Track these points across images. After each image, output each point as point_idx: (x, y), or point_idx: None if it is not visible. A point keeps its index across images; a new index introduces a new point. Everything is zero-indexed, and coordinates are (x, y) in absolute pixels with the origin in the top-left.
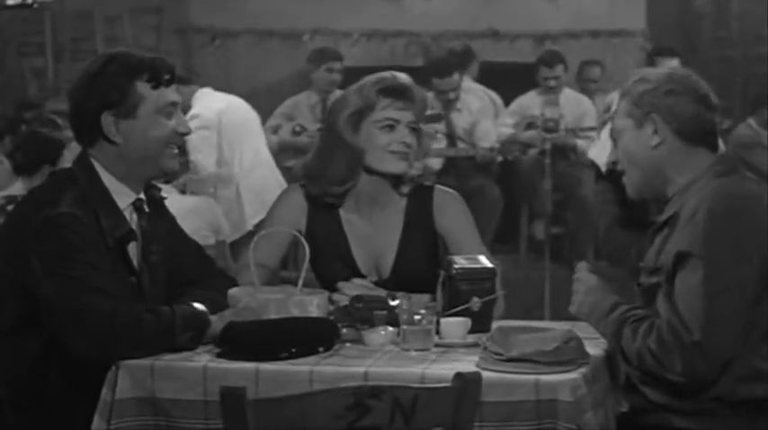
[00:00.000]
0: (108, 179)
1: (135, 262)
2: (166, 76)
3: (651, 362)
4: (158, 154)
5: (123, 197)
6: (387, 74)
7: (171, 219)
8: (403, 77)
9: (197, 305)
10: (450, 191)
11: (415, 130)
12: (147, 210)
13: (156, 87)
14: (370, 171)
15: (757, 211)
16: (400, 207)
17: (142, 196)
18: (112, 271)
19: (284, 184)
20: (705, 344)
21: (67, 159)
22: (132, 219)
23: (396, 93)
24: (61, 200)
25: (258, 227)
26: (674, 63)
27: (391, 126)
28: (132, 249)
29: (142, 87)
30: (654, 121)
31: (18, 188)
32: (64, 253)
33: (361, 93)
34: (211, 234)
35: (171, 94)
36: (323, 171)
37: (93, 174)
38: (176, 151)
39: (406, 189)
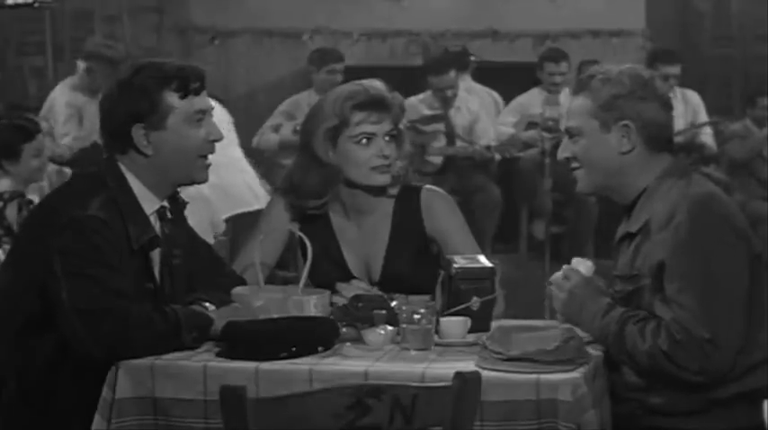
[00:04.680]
0: (136, 185)
1: (156, 268)
2: (195, 84)
3: (665, 363)
4: (190, 164)
5: (149, 203)
6: (359, 87)
7: (186, 221)
8: (376, 88)
9: (207, 305)
10: (438, 190)
11: (394, 137)
12: (170, 216)
13: (184, 97)
14: (352, 185)
15: (727, 203)
16: (388, 210)
17: (166, 203)
18: (133, 276)
19: (254, 186)
20: (717, 340)
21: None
22: (156, 225)
23: (370, 106)
24: (90, 203)
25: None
26: (675, 70)
27: (368, 139)
28: (155, 256)
29: (170, 97)
30: (626, 129)
31: (5, 184)
32: (86, 254)
33: (334, 108)
34: (209, 228)
35: (200, 102)
36: (299, 186)
37: (123, 180)
38: (209, 162)
39: (393, 191)
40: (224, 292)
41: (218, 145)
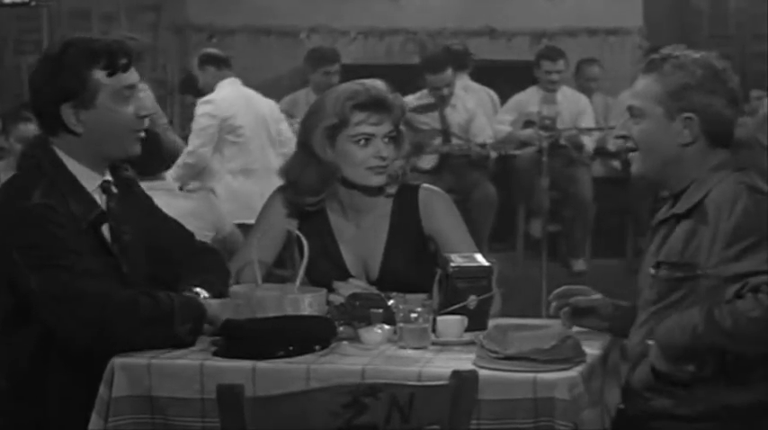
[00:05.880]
0: (72, 164)
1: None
2: (123, 61)
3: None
4: (122, 140)
5: (90, 180)
6: (360, 87)
7: (146, 199)
8: (377, 89)
9: (199, 290)
10: (436, 189)
11: (393, 139)
12: (115, 191)
13: (112, 74)
14: (348, 184)
15: None
16: (386, 209)
17: (109, 177)
18: (91, 255)
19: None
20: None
21: None
22: (102, 200)
23: (370, 106)
24: (32, 191)
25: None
26: None
27: (367, 140)
28: (106, 230)
29: (99, 75)
30: (690, 121)
31: None
32: (44, 244)
33: (334, 107)
34: (211, 233)
35: (127, 77)
36: (296, 182)
37: (57, 161)
38: (141, 135)
39: (391, 189)
40: (207, 273)
41: (251, 153)
